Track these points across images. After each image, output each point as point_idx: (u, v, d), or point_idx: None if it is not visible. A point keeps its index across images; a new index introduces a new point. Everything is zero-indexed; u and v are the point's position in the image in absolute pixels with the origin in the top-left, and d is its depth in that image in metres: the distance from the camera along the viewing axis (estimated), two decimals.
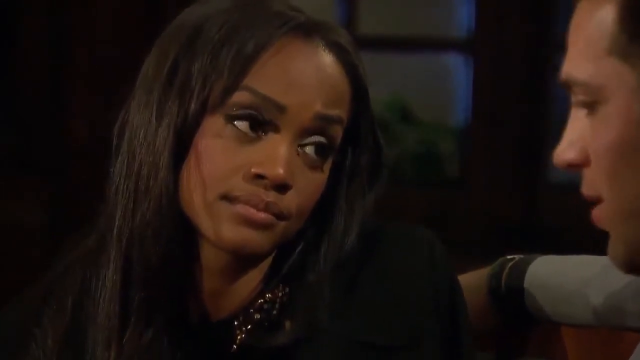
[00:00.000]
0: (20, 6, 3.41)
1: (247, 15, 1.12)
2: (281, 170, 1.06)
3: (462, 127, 3.61)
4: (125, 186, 1.12)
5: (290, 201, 1.09)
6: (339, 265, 1.17)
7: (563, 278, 1.37)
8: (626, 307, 1.26)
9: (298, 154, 1.08)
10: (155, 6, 3.31)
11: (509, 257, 1.38)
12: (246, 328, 1.16)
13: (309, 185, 1.12)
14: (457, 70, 3.67)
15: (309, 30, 1.10)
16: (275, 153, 1.08)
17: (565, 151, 0.87)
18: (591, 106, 0.84)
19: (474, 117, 3.54)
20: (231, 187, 1.07)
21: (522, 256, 1.40)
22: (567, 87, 0.87)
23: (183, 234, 1.12)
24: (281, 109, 1.07)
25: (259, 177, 1.05)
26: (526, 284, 1.39)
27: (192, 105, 1.09)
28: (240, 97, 1.06)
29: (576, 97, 0.86)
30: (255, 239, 1.08)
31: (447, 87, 3.78)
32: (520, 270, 1.38)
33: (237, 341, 1.16)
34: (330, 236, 1.18)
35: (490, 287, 1.39)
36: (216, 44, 1.09)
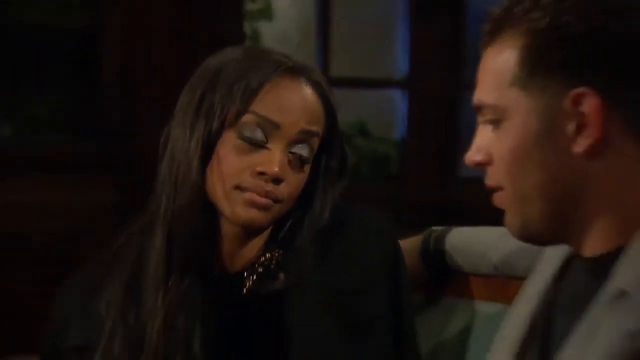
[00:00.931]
0: (100, 39, 3.42)
1: (252, 61, 1.34)
2: (277, 169, 1.28)
3: (400, 140, 4.10)
4: (168, 181, 1.36)
5: (282, 190, 1.31)
6: (317, 234, 1.42)
7: (473, 241, 1.66)
8: (516, 263, 1.50)
9: (289, 159, 1.31)
10: (192, 52, 3.38)
11: (434, 228, 1.71)
12: (252, 278, 1.40)
13: (296, 180, 1.33)
14: (398, 101, 4.02)
15: (295, 71, 1.34)
16: (273, 157, 1.30)
17: (474, 154, 1.08)
18: (496, 122, 1.06)
19: (409, 133, 4.01)
20: (242, 180, 1.30)
21: (443, 227, 1.71)
22: (478, 109, 1.10)
23: (208, 213, 1.36)
24: (276, 126, 1.30)
25: (261, 174, 1.29)
26: (446, 247, 1.67)
27: (214, 125, 1.31)
28: (247, 118, 1.29)
29: (484, 116, 1.09)
30: (259, 216, 1.32)
31: (392, 112, 4.16)
32: (442, 237, 1.66)
33: (246, 287, 1.40)
34: (311, 214, 1.43)
35: (421, 249, 1.68)
36: (231, 82, 1.32)
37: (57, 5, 3.71)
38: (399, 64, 4.02)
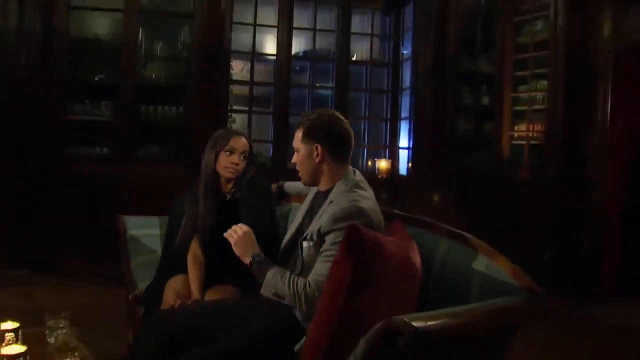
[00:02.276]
0: None
1: (228, 132, 2.61)
2: (237, 162, 2.49)
3: (270, 157, 5.68)
4: (205, 167, 2.57)
5: (239, 168, 2.51)
6: (247, 181, 2.55)
7: (293, 185, 2.79)
8: (304, 191, 2.45)
9: (240, 158, 2.54)
10: None
11: (281, 181, 2.85)
12: (229, 195, 2.61)
13: (242, 164, 2.54)
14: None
15: (240, 134, 2.55)
16: (235, 158, 2.51)
17: (293, 160, 2.16)
18: (298, 151, 2.13)
19: (273, 156, 5.72)
20: (227, 165, 2.51)
21: (284, 181, 2.83)
22: (295, 148, 2.13)
23: (216, 175, 2.55)
24: (235, 149, 2.52)
25: (233, 163, 2.50)
26: (285, 186, 2.85)
27: (217, 149, 2.56)
28: (227, 147, 2.52)
29: (295, 150, 2.14)
30: (231, 176, 2.53)
31: (268, 149, 5.71)
32: (283, 184, 2.85)
33: (227, 198, 2.58)
34: (245, 175, 2.57)
35: (277, 187, 2.81)
36: (222, 138, 2.56)
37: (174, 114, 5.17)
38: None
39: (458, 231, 2.03)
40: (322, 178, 2.13)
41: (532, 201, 5.08)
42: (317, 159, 2.10)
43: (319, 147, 2.09)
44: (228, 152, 2.52)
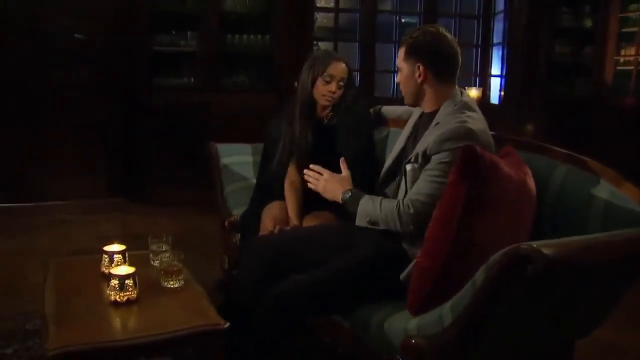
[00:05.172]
0: None
1: (327, 55, 2.51)
2: (334, 89, 2.42)
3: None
4: (301, 90, 2.51)
5: (336, 96, 2.48)
6: (345, 108, 2.50)
7: (391, 109, 2.69)
8: (405, 113, 2.48)
9: (338, 86, 2.46)
10: None
11: (378, 105, 2.72)
12: (326, 119, 2.55)
13: (340, 91, 2.47)
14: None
15: (338, 59, 2.43)
16: (332, 87, 2.44)
17: (398, 78, 2.07)
18: (400, 71, 2.04)
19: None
20: (324, 93, 2.47)
21: (381, 105, 2.72)
22: (398, 67, 2.05)
23: (312, 100, 2.47)
24: (333, 77, 2.41)
25: (330, 91, 2.42)
26: (382, 110, 2.70)
27: (315, 74, 2.45)
28: (324, 74, 2.43)
29: (398, 69, 2.06)
30: (328, 103, 2.52)
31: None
32: (380, 108, 2.72)
33: (324, 122, 2.54)
34: (343, 102, 2.51)
35: (374, 111, 2.70)
36: (320, 61, 2.47)
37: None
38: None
39: (578, 155, 1.91)
40: (425, 99, 2.05)
41: (635, 130, 4.83)
42: (420, 79, 2.01)
43: (421, 67, 2.00)
44: (326, 80, 2.41)
